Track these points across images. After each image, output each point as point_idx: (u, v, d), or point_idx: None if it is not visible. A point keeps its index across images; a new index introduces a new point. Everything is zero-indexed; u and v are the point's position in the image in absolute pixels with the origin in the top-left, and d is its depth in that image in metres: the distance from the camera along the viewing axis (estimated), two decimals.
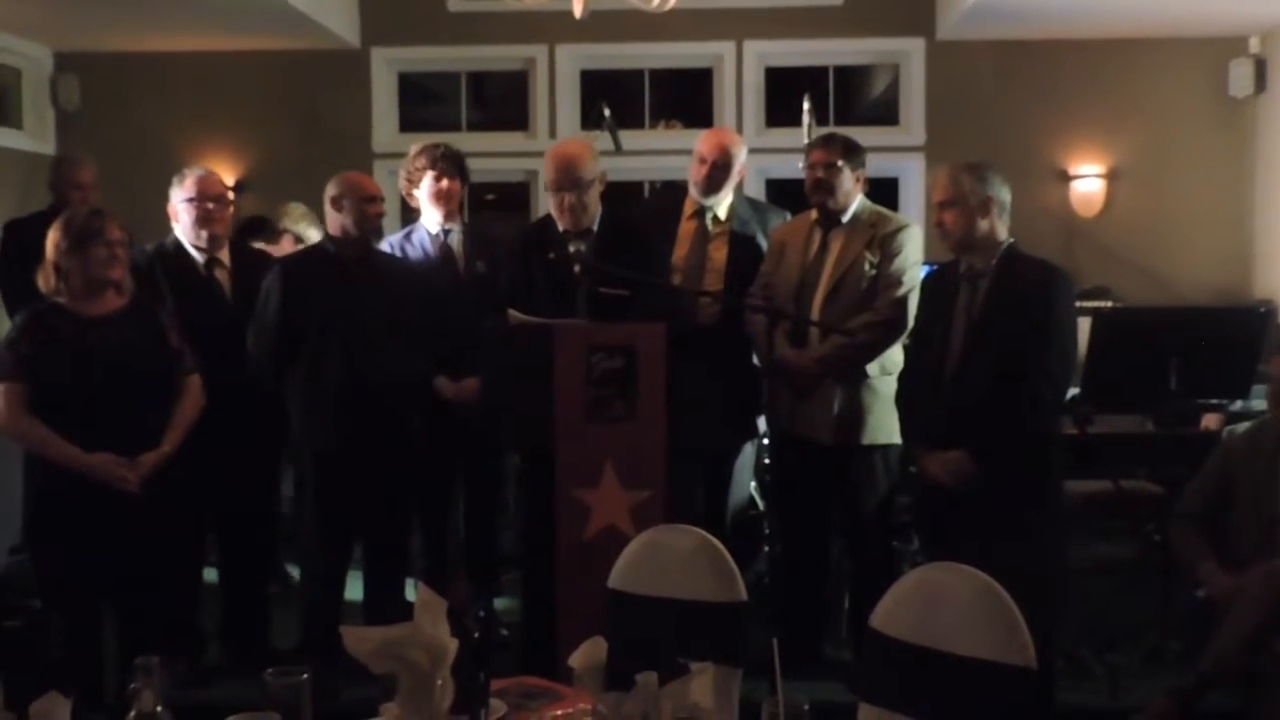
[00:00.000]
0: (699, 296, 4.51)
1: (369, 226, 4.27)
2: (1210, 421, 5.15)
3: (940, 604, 2.27)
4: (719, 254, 4.63)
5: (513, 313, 4.00)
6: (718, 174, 4.60)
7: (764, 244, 4.60)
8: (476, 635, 2.04)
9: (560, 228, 4.26)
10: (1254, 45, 7.36)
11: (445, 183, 4.61)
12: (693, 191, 4.68)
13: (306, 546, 4.37)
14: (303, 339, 4.15)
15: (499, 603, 4.91)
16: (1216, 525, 4.04)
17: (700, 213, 4.68)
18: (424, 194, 4.63)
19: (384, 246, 4.54)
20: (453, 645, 1.93)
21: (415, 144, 4.74)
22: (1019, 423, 3.76)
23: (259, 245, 5.16)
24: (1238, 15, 6.91)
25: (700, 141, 4.70)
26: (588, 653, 1.92)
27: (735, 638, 2.52)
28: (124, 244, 3.80)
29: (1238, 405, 5.00)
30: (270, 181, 7.53)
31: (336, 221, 4.28)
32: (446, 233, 4.65)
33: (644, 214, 5.21)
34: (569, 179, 4.19)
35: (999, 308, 3.82)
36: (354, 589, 4.40)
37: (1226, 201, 7.44)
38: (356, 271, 4.24)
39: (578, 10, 4.57)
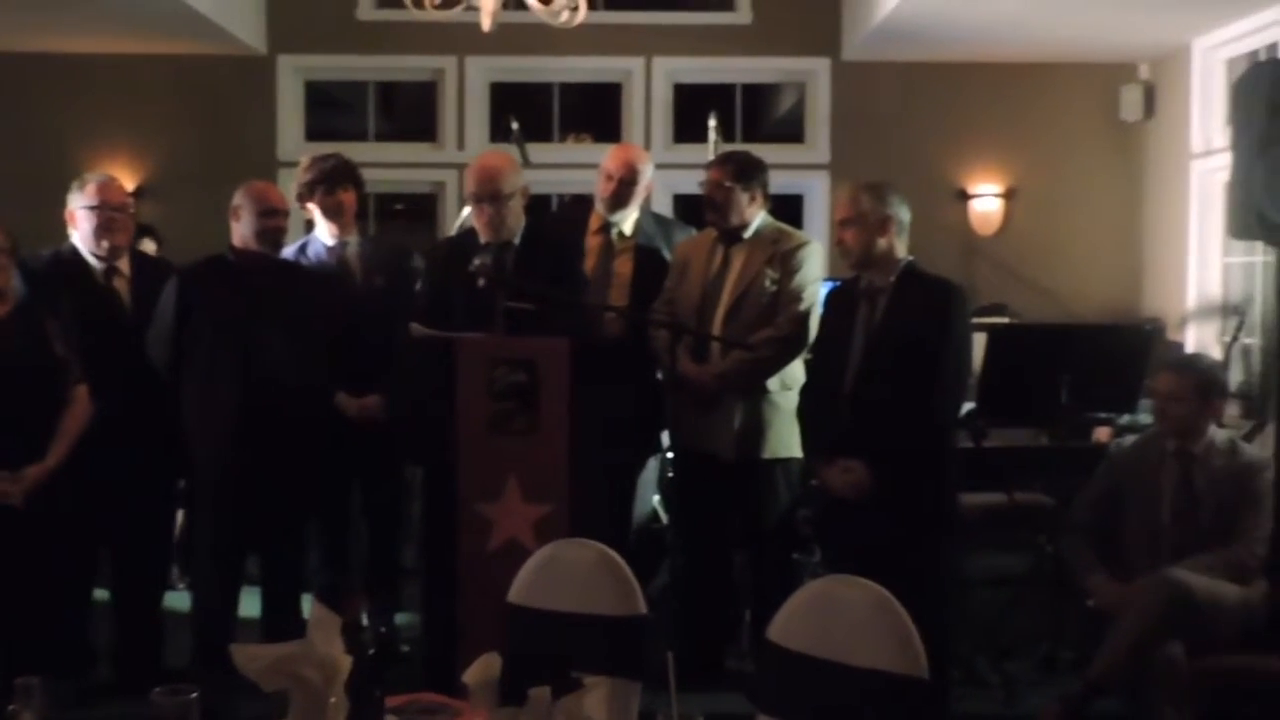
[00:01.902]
0: (604, 311, 4.53)
1: (268, 239, 4.21)
2: (1101, 435, 5.28)
3: (835, 616, 2.31)
4: (624, 269, 4.66)
5: (415, 326, 3.99)
6: (624, 190, 4.62)
7: (670, 259, 4.64)
8: (372, 651, 2.03)
9: (481, 240, 4.26)
10: (1144, 72, 7.60)
11: (337, 195, 4.56)
12: (599, 207, 4.70)
13: (199, 562, 4.29)
14: (199, 349, 4.09)
15: (400, 618, 4.86)
16: (1105, 536, 4.15)
17: (606, 228, 4.70)
18: (316, 207, 4.58)
19: None
20: (346, 662, 1.92)
21: (305, 156, 4.69)
22: (915, 436, 3.83)
23: None
24: (1128, 43, 7.13)
25: (607, 158, 4.72)
26: (482, 668, 1.92)
27: (634, 651, 2.53)
28: (8, 251, 3.71)
29: (1125, 419, 5.14)
30: (171, 188, 7.42)
31: (236, 232, 4.23)
32: (343, 245, 4.61)
33: (557, 225, 5.22)
34: (488, 191, 4.18)
35: (897, 323, 3.89)
36: (251, 606, 4.33)
37: (1118, 222, 7.66)
38: (257, 282, 4.18)
39: (486, 23, 4.59)
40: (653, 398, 4.54)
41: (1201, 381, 4.02)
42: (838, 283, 4.36)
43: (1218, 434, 4.09)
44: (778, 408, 4.33)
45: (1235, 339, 5.98)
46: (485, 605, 3.43)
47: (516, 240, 4.24)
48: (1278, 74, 4.11)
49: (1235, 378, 6.36)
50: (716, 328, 4.33)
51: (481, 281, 4.05)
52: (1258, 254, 6.35)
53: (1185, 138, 7.17)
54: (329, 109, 8.20)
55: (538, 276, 4.09)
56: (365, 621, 4.69)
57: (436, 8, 4.58)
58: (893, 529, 3.78)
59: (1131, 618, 3.73)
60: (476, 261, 4.12)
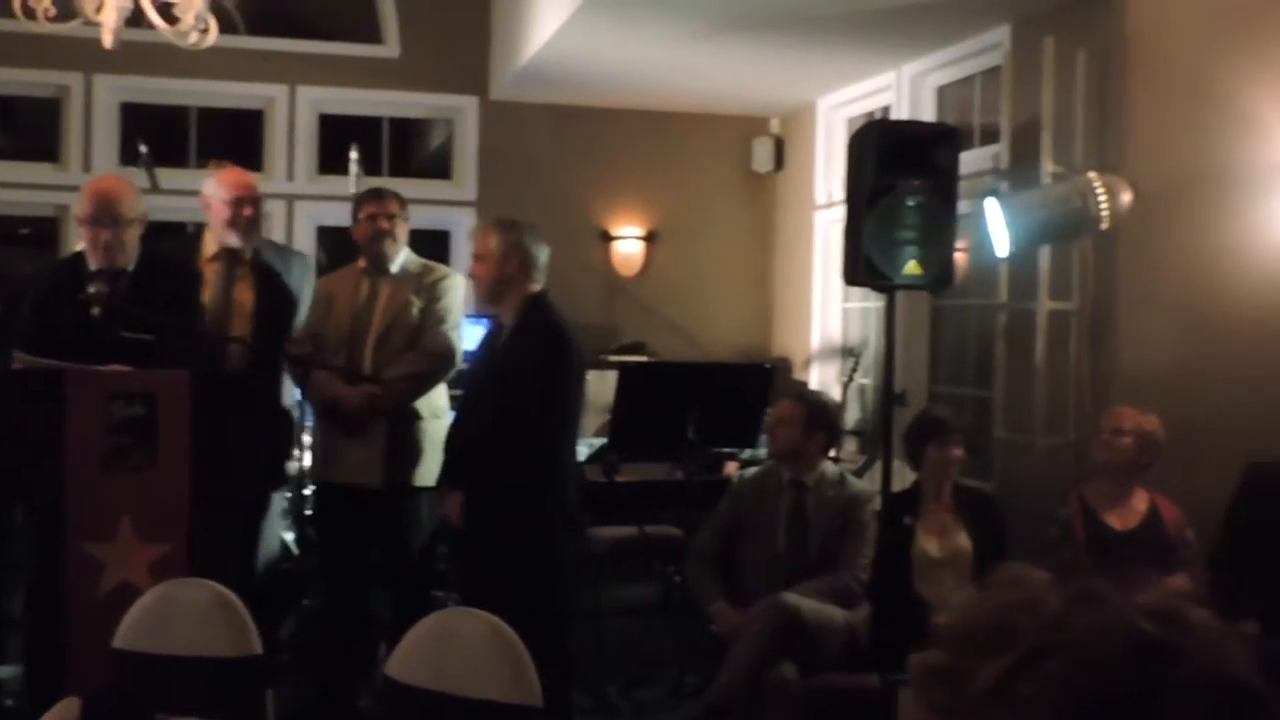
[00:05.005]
0: (229, 342, 4.40)
1: None
2: (731, 469, 5.56)
3: (452, 648, 2.31)
4: (245, 296, 4.55)
5: (19, 354, 3.72)
6: (240, 214, 4.52)
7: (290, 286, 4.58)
8: None
9: (92, 266, 4.02)
10: (774, 126, 8.09)
11: None
12: (216, 232, 4.58)
13: None
14: None
15: (3, 670, 4.49)
16: (728, 564, 4.37)
17: (223, 254, 4.57)
18: None
19: None
20: None
21: None
22: (514, 469, 3.92)
23: None
24: (760, 98, 7.58)
25: (219, 181, 4.61)
26: (58, 715, 1.81)
27: (247, 692, 2.46)
28: None
29: (748, 454, 5.43)
30: None
31: None
32: None
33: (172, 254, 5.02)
34: (108, 215, 3.99)
35: (510, 359, 4.00)
36: None
37: (750, 267, 8.09)
38: None
39: (107, 40, 4.36)
40: (280, 429, 4.45)
41: (811, 412, 4.31)
42: (484, 319, 4.46)
43: (829, 468, 4.40)
44: (427, 434, 4.36)
45: (851, 379, 6.42)
46: (94, 654, 3.22)
47: (130, 268, 4.06)
48: (887, 134, 4.49)
49: (852, 416, 6.83)
50: (368, 356, 4.37)
51: (96, 310, 3.84)
52: (872, 300, 6.86)
53: (810, 189, 7.67)
54: None
55: (152, 306, 3.93)
56: None
57: (52, 20, 4.31)
58: (513, 562, 3.85)
59: (747, 640, 3.94)
60: (91, 289, 3.90)
